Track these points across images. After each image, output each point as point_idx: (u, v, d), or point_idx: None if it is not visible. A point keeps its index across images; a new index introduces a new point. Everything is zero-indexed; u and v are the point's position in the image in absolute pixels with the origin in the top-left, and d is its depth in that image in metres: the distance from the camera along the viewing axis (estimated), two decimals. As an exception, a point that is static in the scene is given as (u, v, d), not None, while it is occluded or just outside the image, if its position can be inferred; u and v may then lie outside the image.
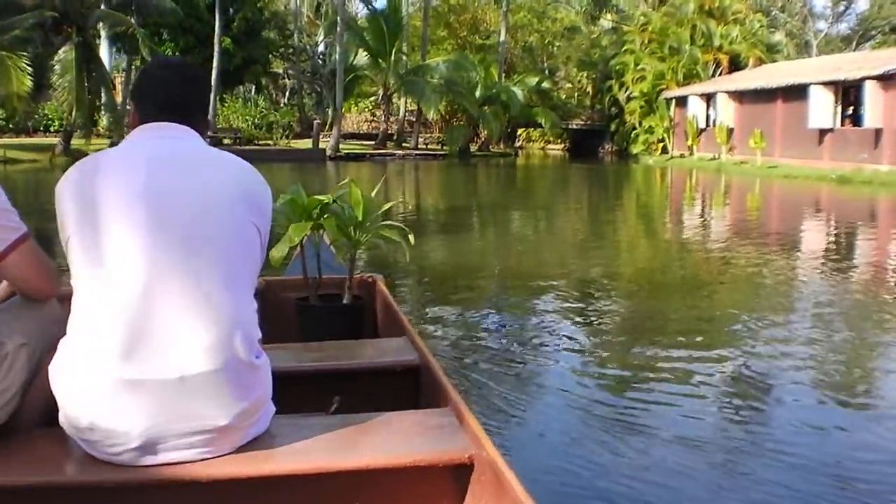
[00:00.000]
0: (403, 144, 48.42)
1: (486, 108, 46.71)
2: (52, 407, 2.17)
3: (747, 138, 35.63)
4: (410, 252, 4.45)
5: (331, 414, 2.78)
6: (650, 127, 45.36)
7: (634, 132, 46.88)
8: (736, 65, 45.40)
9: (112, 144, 33.79)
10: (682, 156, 41.80)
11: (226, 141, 40.47)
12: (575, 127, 55.45)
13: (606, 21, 59.78)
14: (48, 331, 2.30)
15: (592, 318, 7.49)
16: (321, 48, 55.34)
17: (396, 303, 4.01)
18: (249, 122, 45.25)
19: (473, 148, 50.17)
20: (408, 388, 3.12)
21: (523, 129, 57.05)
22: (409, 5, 49.90)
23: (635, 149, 46.39)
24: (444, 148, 48.55)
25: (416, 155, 44.79)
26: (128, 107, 35.32)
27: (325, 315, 4.10)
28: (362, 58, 45.55)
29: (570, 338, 6.68)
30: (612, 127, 51.44)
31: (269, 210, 2.31)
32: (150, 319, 2.03)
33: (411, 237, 4.35)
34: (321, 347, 3.43)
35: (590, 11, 60.12)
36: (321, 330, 3.80)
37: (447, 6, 55.32)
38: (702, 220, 18.17)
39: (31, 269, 2.30)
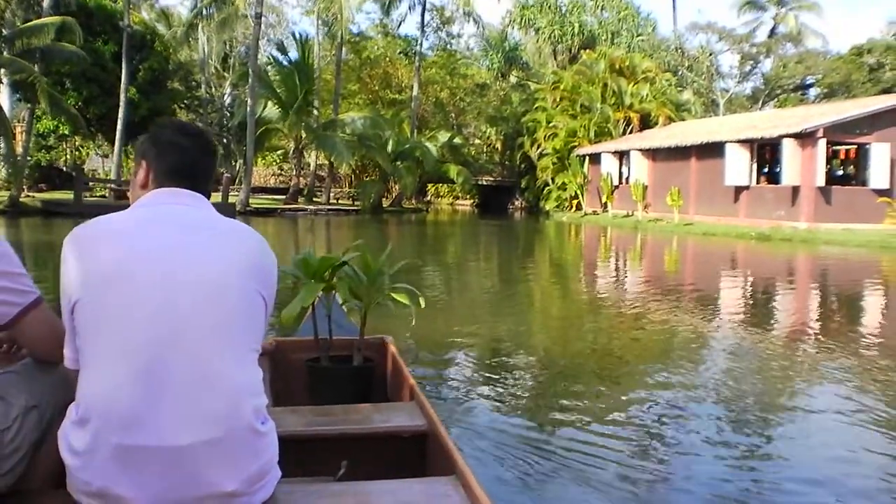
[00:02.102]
0: (314, 199, 47.40)
1: (399, 163, 46.12)
2: (60, 470, 2.16)
3: (662, 195, 35.80)
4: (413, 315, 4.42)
5: (338, 479, 2.81)
6: (563, 183, 45.39)
7: (547, 189, 46.85)
8: (646, 123, 45.88)
9: (11, 198, 32.72)
10: (594, 213, 41.90)
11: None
12: (484, 183, 55.45)
13: (515, 78, 60.19)
14: (59, 394, 2.32)
15: (496, 378, 6.98)
16: (228, 100, 54.16)
17: (406, 365, 4.01)
18: (153, 177, 43.64)
19: (385, 203, 49.56)
20: (415, 454, 3.17)
21: (432, 184, 56.80)
22: (319, 59, 49.10)
23: (548, 205, 46.41)
24: (356, 203, 47.86)
25: (329, 210, 43.80)
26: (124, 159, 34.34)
27: (335, 377, 4.09)
28: (271, 110, 44.57)
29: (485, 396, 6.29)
30: (523, 183, 51.59)
31: (275, 281, 2.34)
32: (157, 387, 2.03)
33: (422, 300, 4.47)
34: (330, 411, 3.43)
35: (500, 68, 60.47)
36: (331, 391, 3.93)
37: (359, 60, 54.97)
38: (627, 277, 17.83)
39: (43, 333, 2.34)
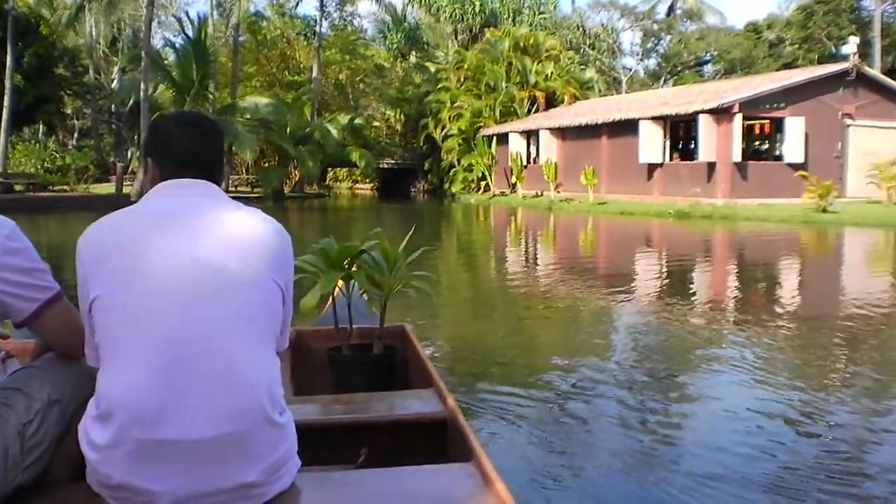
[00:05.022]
0: (213, 187, 45.47)
1: (300, 147, 44.61)
2: (81, 463, 2.17)
3: (572, 175, 35.30)
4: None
5: (358, 466, 2.88)
6: (470, 165, 44.51)
7: (453, 170, 45.93)
8: (551, 102, 45.37)
9: None
10: (503, 194, 41.23)
11: (17, 188, 36.92)
12: (385, 166, 54.35)
13: (415, 58, 59.22)
14: (80, 388, 2.35)
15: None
16: (116, 84, 51.73)
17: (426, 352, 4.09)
18: (40, 167, 41.33)
19: (286, 189, 47.99)
20: (435, 441, 3.16)
21: (331, 168, 55.54)
22: (214, 40, 47.14)
23: (455, 187, 45.49)
24: (257, 190, 46.18)
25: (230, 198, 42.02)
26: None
27: (356, 365, 4.13)
28: (165, 95, 42.56)
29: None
30: (426, 165, 50.66)
31: (291, 267, 2.34)
32: (177, 381, 2.04)
33: (440, 287, 5.06)
34: (351, 399, 3.48)
35: (400, 49, 59.37)
36: (352, 380, 3.99)
37: (256, 42, 53.14)
38: (553, 258, 17.45)
39: (64, 327, 2.36)
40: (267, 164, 49.50)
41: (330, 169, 55.92)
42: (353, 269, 4.22)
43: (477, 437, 2.74)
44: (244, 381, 2.09)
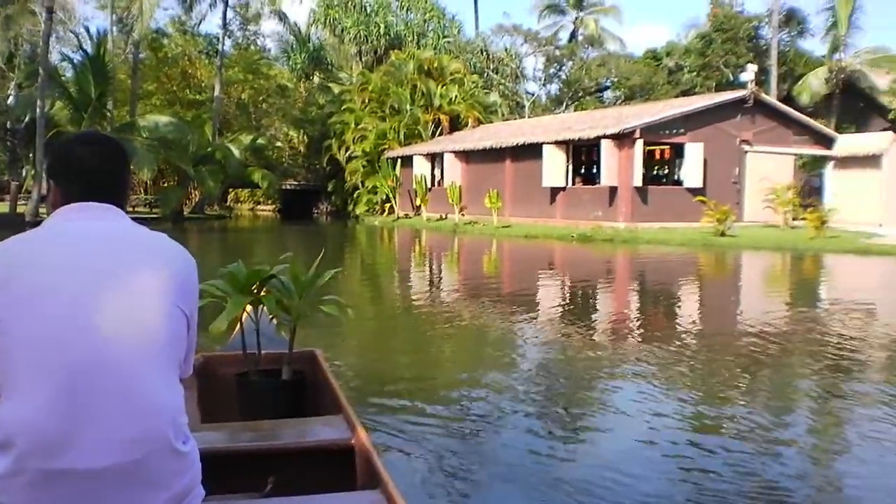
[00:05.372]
0: (110, 208, 44.20)
1: (201, 167, 43.77)
2: None
3: (476, 198, 35.39)
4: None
5: (264, 495, 2.83)
6: (374, 187, 44.26)
7: (357, 192, 45.65)
8: (455, 125, 45.44)
9: None
10: (407, 216, 41.10)
11: None
12: (288, 187, 53.75)
13: (319, 79, 58.83)
14: None
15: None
16: (12, 101, 50.06)
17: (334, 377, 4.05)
18: (-75, 186, 39.77)
19: (186, 210, 47.01)
20: (343, 468, 3.16)
21: (232, 189, 54.70)
22: (114, 56, 45.98)
23: (359, 209, 45.22)
24: (155, 210, 45.08)
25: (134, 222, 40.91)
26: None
27: (264, 391, 4.05)
28: (62, 112, 41.30)
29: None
30: (330, 187, 50.26)
31: (196, 292, 2.31)
32: (78, 409, 1.99)
33: (350, 311, 4.73)
34: (258, 426, 3.42)
35: (303, 69, 58.90)
36: (261, 405, 3.88)
37: (156, 59, 52.07)
38: (457, 280, 17.53)
39: None
40: (166, 185, 48.41)
41: (231, 190, 55.06)
42: (262, 293, 4.19)
43: (384, 464, 2.80)
44: (147, 410, 2.06)
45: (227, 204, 55.27)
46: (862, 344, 9.48)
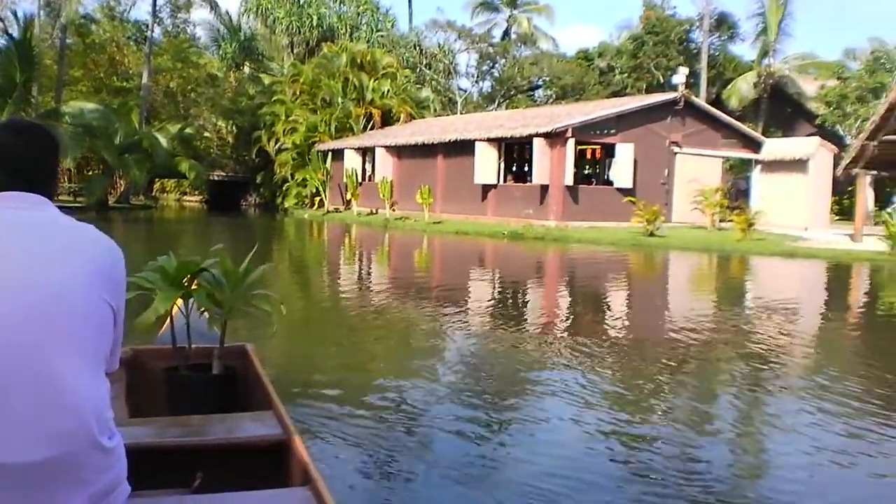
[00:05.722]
0: (30, 195, 43.04)
1: (127, 156, 42.85)
2: None
3: (408, 193, 35.22)
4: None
5: (193, 491, 2.79)
6: (304, 179, 43.85)
7: (287, 185, 45.16)
8: (387, 119, 45.20)
9: None
10: (337, 210, 40.81)
11: None
12: (216, 178, 52.99)
13: (249, 69, 58.11)
14: None
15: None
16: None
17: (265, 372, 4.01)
18: None
19: (112, 199, 46.02)
20: (272, 464, 3.12)
21: (158, 179, 53.75)
22: (40, 41, 44.74)
23: (288, 202, 44.75)
24: (80, 199, 43.97)
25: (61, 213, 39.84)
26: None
27: (194, 386, 3.99)
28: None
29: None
30: (258, 179, 49.72)
31: (123, 286, 2.26)
32: (1, 403, 1.95)
33: (283, 306, 4.66)
34: (188, 421, 3.37)
35: (234, 59, 58.10)
36: (190, 401, 3.82)
37: (83, 45, 50.82)
38: (387, 275, 17.49)
39: None
40: (91, 173, 47.38)
41: (157, 180, 54.08)
42: (193, 286, 4.08)
43: (313, 461, 2.79)
44: (71, 404, 2.01)
45: (153, 194, 54.35)
46: (784, 343, 9.72)
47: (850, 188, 33.91)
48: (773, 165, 32.87)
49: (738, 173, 38.83)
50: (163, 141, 44.69)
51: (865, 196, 26.72)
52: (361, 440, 5.21)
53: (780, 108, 47.05)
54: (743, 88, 46.91)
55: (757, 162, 33.62)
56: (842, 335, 10.97)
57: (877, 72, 39.21)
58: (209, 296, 4.09)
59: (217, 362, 4.06)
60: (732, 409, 6.53)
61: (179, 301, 4.11)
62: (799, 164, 31.68)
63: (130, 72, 52.00)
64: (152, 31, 50.67)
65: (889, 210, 28.97)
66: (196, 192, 54.97)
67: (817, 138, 33.71)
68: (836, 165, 29.90)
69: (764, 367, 8.03)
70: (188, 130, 49.37)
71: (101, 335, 2.15)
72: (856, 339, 10.80)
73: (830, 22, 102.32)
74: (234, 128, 54.78)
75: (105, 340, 2.17)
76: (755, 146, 33.89)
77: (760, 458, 5.36)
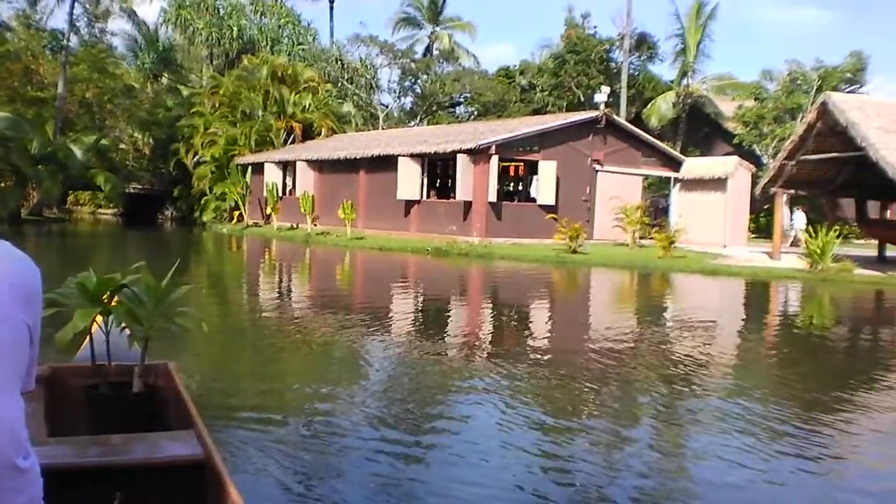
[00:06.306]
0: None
1: (41, 167, 41.68)
2: None
3: (329, 208, 34.94)
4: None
5: None
6: (222, 193, 43.20)
7: (205, 199, 44.44)
8: (308, 133, 44.81)
9: None
10: (257, 224, 40.23)
11: None
12: (132, 191, 51.96)
13: (168, 80, 57.16)
14: None
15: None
16: None
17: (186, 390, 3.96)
18: None
19: (24, 212, 44.70)
20: (192, 484, 3.11)
21: (72, 191, 52.47)
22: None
23: (206, 216, 44.08)
24: (-12, 212, 42.58)
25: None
26: None
27: (114, 404, 3.93)
28: None
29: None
30: (176, 192, 48.92)
31: (40, 303, 2.14)
32: None
33: (205, 325, 4.66)
34: (107, 441, 3.34)
35: (151, 69, 57.08)
36: (110, 419, 3.77)
37: (-5, 53, 49.46)
38: (310, 293, 17.16)
39: None
40: (3, 184, 45.86)
41: (72, 192, 52.77)
42: (113, 303, 4.04)
43: (233, 480, 2.78)
44: None
45: (67, 207, 53.00)
46: (702, 359, 9.82)
47: (766, 206, 34.55)
48: (692, 184, 33.33)
49: (657, 191, 39.37)
50: (78, 152, 43.71)
51: (783, 214, 27.16)
52: (282, 459, 5.17)
53: (699, 128, 47.84)
54: (662, 108, 47.55)
55: (676, 180, 34.06)
56: (761, 352, 11.23)
57: (794, 92, 40.08)
58: (130, 313, 4.00)
59: (137, 380, 4.01)
60: (649, 430, 6.54)
61: (100, 318, 4.03)
62: (718, 183, 32.16)
63: (46, 81, 50.63)
64: (69, 41, 49.54)
65: (787, 227, 29.62)
66: (111, 205, 53.77)
67: (736, 157, 34.26)
68: (753, 184, 30.42)
69: (679, 383, 8.19)
70: (104, 142, 48.33)
71: (17, 354, 2.05)
72: (774, 355, 11.00)
73: (748, 44, 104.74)
74: (151, 140, 53.80)
75: (21, 359, 2.07)
76: (675, 165, 34.32)
77: (674, 481, 5.33)
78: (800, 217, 32.32)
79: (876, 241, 28.01)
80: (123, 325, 4.07)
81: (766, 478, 5.27)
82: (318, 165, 37.96)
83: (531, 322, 13.60)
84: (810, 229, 22.40)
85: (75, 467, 3.00)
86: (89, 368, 4.13)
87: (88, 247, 29.87)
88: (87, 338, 4.16)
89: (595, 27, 51.55)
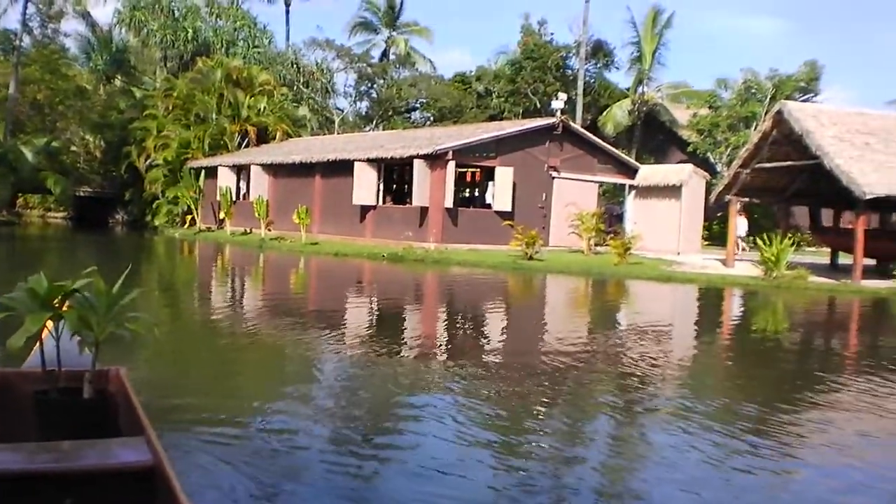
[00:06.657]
0: None
1: (-11, 169, 40.99)
2: None
3: (284, 213, 34.63)
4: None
5: None
6: (175, 197, 42.66)
7: (157, 203, 43.89)
8: (263, 137, 44.41)
9: None
10: (210, 229, 39.80)
11: None
12: (82, 194, 51.18)
13: (121, 82, 56.41)
14: None
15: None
16: None
17: (137, 396, 3.96)
18: None
19: (-27, 215, 43.87)
20: (143, 491, 3.11)
21: (21, 194, 51.56)
22: None
23: (158, 220, 43.52)
24: (-65, 216, 41.80)
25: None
26: None
27: (63, 410, 3.85)
28: None
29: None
30: (127, 195, 48.37)
31: None
32: None
33: (156, 329, 4.65)
34: (57, 447, 3.33)
35: (104, 71, 56.29)
36: (60, 425, 3.75)
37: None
38: (266, 299, 16.88)
39: None
40: (-48, 188, 45.13)
41: (21, 195, 51.86)
42: (64, 308, 3.93)
43: (183, 488, 2.79)
44: None
45: (16, 210, 52.06)
46: (657, 364, 9.87)
47: (719, 214, 34.78)
48: (647, 191, 33.46)
49: (612, 198, 39.48)
50: (28, 154, 43.11)
51: (736, 222, 27.32)
52: (233, 466, 5.10)
53: (654, 135, 48.09)
54: (618, 115, 47.78)
55: (632, 187, 34.17)
56: (715, 357, 11.37)
57: (748, 101, 40.39)
58: (81, 318, 3.91)
59: (88, 386, 3.94)
60: (601, 436, 6.55)
61: (50, 323, 3.97)
62: (673, 190, 32.32)
63: (-3, 82, 49.86)
64: (21, 41, 48.77)
65: (739, 237, 29.78)
66: (61, 209, 52.96)
67: (690, 165, 34.45)
68: (707, 192, 30.58)
69: (632, 388, 8.28)
70: (55, 144, 47.77)
71: None
72: (729, 361, 11.13)
73: (703, 52, 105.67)
74: (102, 143, 53.04)
75: None
76: (630, 172, 34.43)
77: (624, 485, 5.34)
78: (741, 223, 32.46)
79: (828, 249, 28.31)
80: (74, 330, 3.98)
81: (719, 475, 5.35)
82: (273, 169, 37.62)
83: (486, 328, 13.53)
84: (765, 236, 22.48)
85: (25, 473, 3.00)
86: (39, 374, 4.07)
87: (38, 251, 29.28)
88: (38, 343, 4.10)
89: (552, 34, 51.71)
